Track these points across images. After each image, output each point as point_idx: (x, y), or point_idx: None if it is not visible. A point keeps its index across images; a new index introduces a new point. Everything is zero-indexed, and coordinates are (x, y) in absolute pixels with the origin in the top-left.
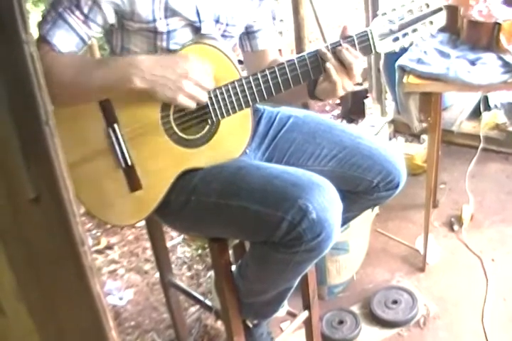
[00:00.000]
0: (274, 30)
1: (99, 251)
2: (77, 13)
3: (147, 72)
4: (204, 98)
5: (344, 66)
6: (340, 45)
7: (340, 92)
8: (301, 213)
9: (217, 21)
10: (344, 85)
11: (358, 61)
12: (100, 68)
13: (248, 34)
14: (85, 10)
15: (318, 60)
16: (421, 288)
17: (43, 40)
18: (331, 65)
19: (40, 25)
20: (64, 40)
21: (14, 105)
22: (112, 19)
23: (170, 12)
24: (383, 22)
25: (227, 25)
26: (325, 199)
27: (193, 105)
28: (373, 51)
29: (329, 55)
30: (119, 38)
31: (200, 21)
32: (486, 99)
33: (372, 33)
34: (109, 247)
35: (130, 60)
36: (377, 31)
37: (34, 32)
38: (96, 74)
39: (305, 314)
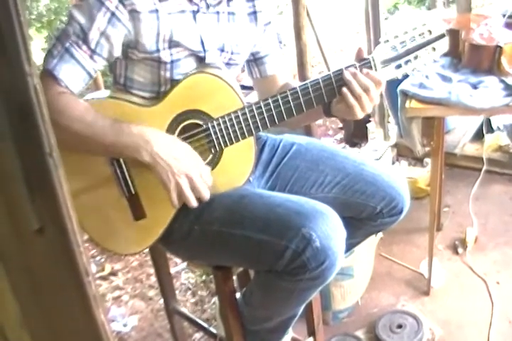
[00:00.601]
0: (281, 54)
1: (103, 278)
2: (84, 47)
3: (155, 151)
4: (192, 203)
5: (362, 89)
6: (356, 67)
7: (360, 114)
8: (305, 241)
9: (222, 50)
10: (364, 107)
11: (376, 84)
12: (111, 131)
13: (256, 60)
14: (92, 44)
15: (320, 88)
16: (426, 312)
17: (49, 75)
18: (347, 91)
19: (46, 58)
20: (71, 75)
21: (18, 137)
22: (118, 52)
23: (174, 43)
24: (386, 49)
25: (232, 53)
26: (328, 227)
27: (175, 203)
28: None
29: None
30: (123, 68)
31: (204, 51)
32: (488, 121)
33: (375, 60)
34: (113, 273)
35: (144, 131)
36: (380, 58)
37: (36, 58)
38: (106, 136)
39: (310, 340)
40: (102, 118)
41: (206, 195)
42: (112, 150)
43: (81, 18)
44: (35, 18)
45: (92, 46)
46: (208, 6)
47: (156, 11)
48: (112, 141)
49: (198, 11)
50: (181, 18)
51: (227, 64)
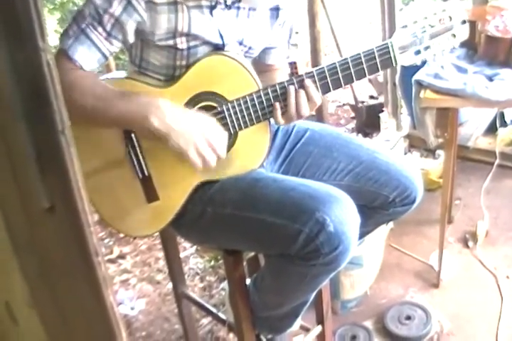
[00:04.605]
0: (288, 47)
1: (112, 261)
2: (100, 29)
3: (168, 116)
4: (213, 163)
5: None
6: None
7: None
8: (319, 226)
9: (240, 43)
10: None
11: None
12: (121, 100)
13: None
14: (108, 27)
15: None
16: (435, 304)
17: (64, 55)
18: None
19: (62, 38)
20: (86, 56)
21: (30, 113)
22: (132, 38)
23: (192, 36)
24: (405, 34)
25: (250, 48)
26: (343, 212)
27: (199, 164)
28: (394, 64)
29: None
30: (139, 49)
31: (224, 44)
32: (502, 114)
33: (393, 45)
34: (122, 256)
35: (153, 99)
36: (398, 44)
37: (50, 40)
38: (116, 105)
39: (318, 328)
40: (111, 90)
41: (223, 153)
42: (122, 121)
43: (98, 1)
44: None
45: (108, 28)
46: (225, 3)
47: (175, 3)
48: (122, 111)
49: (215, 6)
50: (199, 12)
51: (244, 56)
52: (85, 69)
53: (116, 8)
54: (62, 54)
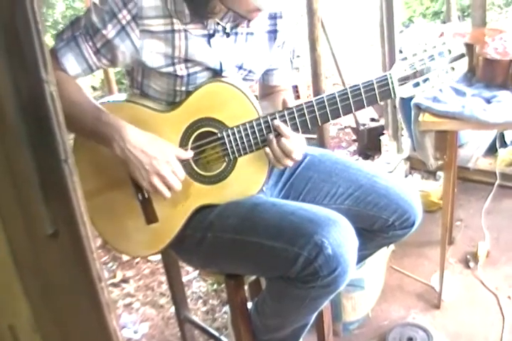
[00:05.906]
0: (290, 68)
1: (115, 284)
2: (91, 43)
3: (128, 147)
4: (166, 196)
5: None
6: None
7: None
8: (317, 249)
9: (240, 68)
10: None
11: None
12: (92, 117)
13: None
14: (98, 44)
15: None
16: (436, 325)
17: (53, 54)
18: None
19: (56, 38)
20: (72, 63)
21: (34, 143)
22: (120, 65)
23: (191, 63)
24: (404, 67)
25: (249, 72)
26: (340, 235)
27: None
28: (393, 96)
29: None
30: (140, 74)
31: (221, 70)
32: (502, 135)
33: (392, 77)
34: (125, 280)
35: (119, 126)
36: (398, 76)
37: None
38: (86, 120)
39: None
40: (87, 102)
41: (178, 188)
42: (92, 137)
43: (95, 19)
44: (51, 25)
45: (98, 46)
46: (224, 30)
47: (173, 31)
48: (91, 127)
49: (213, 35)
50: (196, 40)
51: (244, 79)
52: (69, 73)
53: (110, 32)
54: (52, 53)
